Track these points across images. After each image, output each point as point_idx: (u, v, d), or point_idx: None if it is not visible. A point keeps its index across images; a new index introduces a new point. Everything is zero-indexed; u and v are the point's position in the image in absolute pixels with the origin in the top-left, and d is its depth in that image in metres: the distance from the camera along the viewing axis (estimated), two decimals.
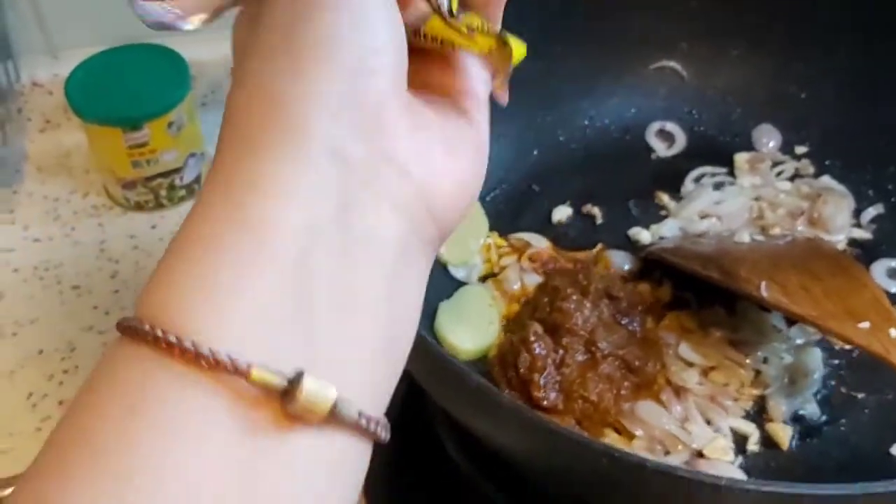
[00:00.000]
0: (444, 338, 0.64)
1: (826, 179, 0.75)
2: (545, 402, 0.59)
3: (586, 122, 0.79)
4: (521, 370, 0.59)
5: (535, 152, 0.77)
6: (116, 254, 0.82)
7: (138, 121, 0.78)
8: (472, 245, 0.71)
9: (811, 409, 0.62)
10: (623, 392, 0.60)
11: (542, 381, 0.59)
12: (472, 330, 0.64)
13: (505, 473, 0.59)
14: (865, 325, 0.54)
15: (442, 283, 0.69)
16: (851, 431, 0.61)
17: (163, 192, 0.85)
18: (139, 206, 0.85)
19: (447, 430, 0.63)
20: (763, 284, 0.57)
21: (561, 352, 0.61)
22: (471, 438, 0.58)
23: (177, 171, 0.83)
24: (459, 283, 0.69)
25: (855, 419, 0.61)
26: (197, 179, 0.86)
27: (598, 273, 0.66)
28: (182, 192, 0.85)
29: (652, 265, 0.70)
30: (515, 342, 0.61)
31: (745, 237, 0.69)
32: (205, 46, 0.86)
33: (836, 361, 0.65)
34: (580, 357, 0.61)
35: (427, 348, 0.49)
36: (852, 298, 0.56)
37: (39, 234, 0.83)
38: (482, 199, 0.74)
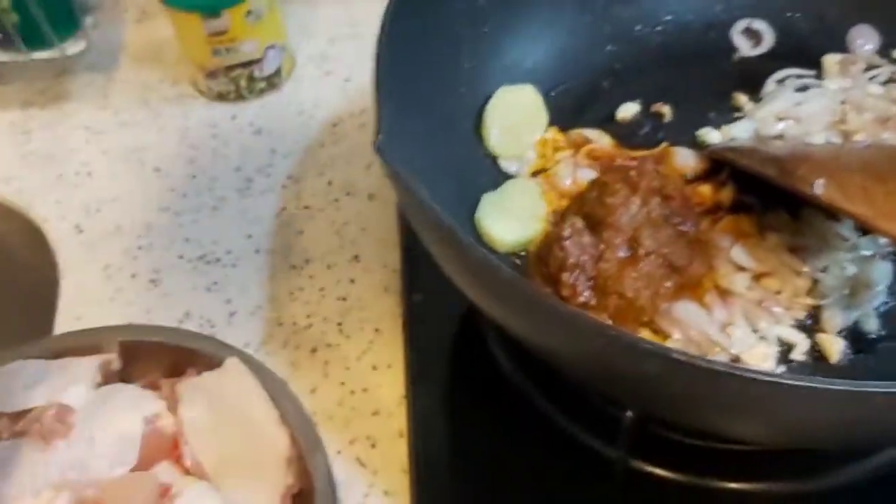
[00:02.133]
0: (483, 229, 0.62)
1: None
2: (577, 300, 0.56)
3: (668, 17, 0.74)
4: (552, 269, 0.56)
5: (609, 47, 0.72)
6: (196, 141, 0.83)
7: (217, 6, 0.78)
8: (527, 138, 0.67)
9: (870, 323, 0.56)
10: (662, 291, 0.56)
11: (571, 279, 0.56)
12: (513, 222, 0.61)
13: (559, 388, 0.56)
14: None
15: (490, 176, 0.66)
16: None
17: (243, 83, 0.85)
18: (221, 97, 0.86)
19: (500, 348, 0.61)
20: (819, 182, 0.52)
21: (601, 247, 0.57)
22: (523, 354, 0.56)
23: (256, 62, 0.83)
24: (509, 177, 0.66)
25: None
26: (277, 72, 0.85)
27: (655, 171, 0.61)
28: (262, 84, 0.85)
29: (718, 166, 0.64)
30: (551, 236, 0.58)
31: (818, 139, 0.62)
32: None
33: None
34: (621, 254, 0.57)
35: (457, 239, 0.46)
36: None
37: (129, 119, 0.85)
38: (546, 94, 0.70)
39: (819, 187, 0.51)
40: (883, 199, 0.50)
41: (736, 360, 0.55)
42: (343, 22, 0.92)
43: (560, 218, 0.61)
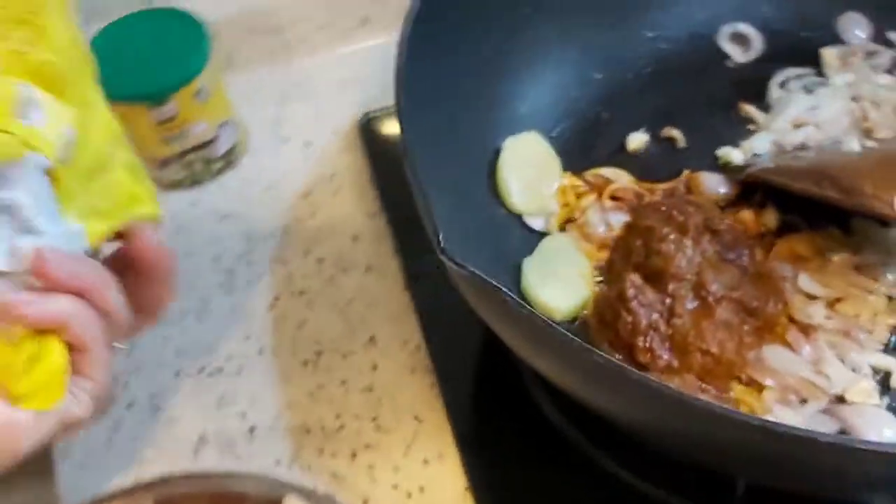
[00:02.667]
0: (534, 298, 0.57)
1: None
2: (658, 364, 0.51)
3: (651, 35, 0.70)
4: (623, 335, 0.52)
5: (599, 76, 0.68)
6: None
7: (163, 92, 0.70)
8: (546, 189, 0.62)
9: None
10: (746, 339, 0.52)
11: (647, 343, 0.52)
12: (562, 285, 0.57)
13: (596, 425, 0.53)
14: None
15: (521, 238, 0.61)
16: None
17: (198, 167, 0.77)
18: (175, 185, 0.78)
19: (559, 413, 0.57)
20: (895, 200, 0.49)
21: (668, 301, 0.53)
22: (563, 396, 0.51)
23: (210, 142, 0.75)
24: (539, 235, 0.61)
25: None
26: (232, 149, 0.78)
27: (696, 206, 0.58)
28: (219, 164, 0.78)
29: (749, 188, 0.61)
30: (612, 298, 0.54)
31: (853, 145, 0.60)
32: (215, 4, 0.78)
33: None
34: (690, 305, 0.53)
35: (519, 313, 0.41)
36: None
37: None
38: (548, 135, 0.65)
39: None
40: None
41: (840, 399, 0.51)
42: (288, 81, 0.85)
43: (611, 274, 0.57)
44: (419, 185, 0.46)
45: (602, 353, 0.38)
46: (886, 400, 0.52)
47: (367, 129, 0.77)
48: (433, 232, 0.44)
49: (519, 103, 0.65)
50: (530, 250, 0.60)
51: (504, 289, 0.40)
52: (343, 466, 0.61)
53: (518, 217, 0.62)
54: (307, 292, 0.70)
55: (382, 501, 0.59)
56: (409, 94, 0.52)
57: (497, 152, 0.64)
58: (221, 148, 0.77)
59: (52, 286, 0.39)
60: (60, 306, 0.39)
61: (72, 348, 0.40)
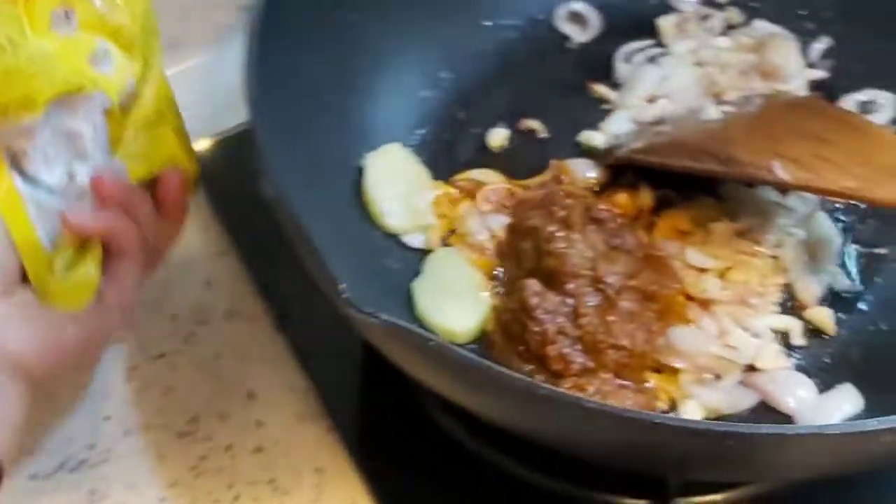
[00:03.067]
0: (432, 323, 0.54)
1: (761, 24, 0.67)
2: (572, 370, 0.50)
3: (489, 24, 0.68)
4: (532, 347, 0.50)
5: (447, 74, 0.66)
6: None
7: None
8: (420, 203, 0.59)
9: (842, 281, 0.56)
10: (654, 327, 0.52)
11: (558, 351, 0.50)
12: (459, 304, 0.54)
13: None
14: None
15: (403, 259, 0.58)
16: (892, 291, 0.55)
17: None
18: None
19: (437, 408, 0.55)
20: (775, 165, 0.50)
21: (571, 301, 0.51)
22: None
23: None
24: (422, 253, 0.58)
25: (890, 277, 0.56)
26: None
27: (569, 196, 0.56)
28: None
29: (618, 168, 0.61)
30: (515, 310, 0.52)
31: (710, 112, 0.61)
32: None
33: (845, 220, 0.59)
34: (592, 301, 0.52)
35: (416, 340, 0.39)
36: (878, 154, 0.49)
37: None
38: (407, 145, 0.62)
39: (782, 171, 0.49)
40: (850, 164, 0.49)
41: (752, 368, 0.52)
42: None
43: (507, 282, 0.54)
44: (301, 233, 0.42)
45: (551, 388, 0.35)
46: (794, 360, 0.53)
47: (198, 160, 0.71)
48: (331, 281, 0.39)
49: (372, 115, 0.62)
50: (416, 271, 0.57)
51: (428, 335, 0.37)
52: None
53: (396, 238, 0.59)
54: (166, 354, 0.63)
55: None
56: (264, 124, 0.47)
57: (361, 171, 0.60)
58: None
59: (103, 204, 0.48)
60: (109, 218, 0.48)
61: (111, 256, 0.49)
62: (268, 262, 0.65)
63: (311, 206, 0.50)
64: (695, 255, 0.55)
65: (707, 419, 0.50)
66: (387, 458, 0.57)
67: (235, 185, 0.68)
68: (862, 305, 0.55)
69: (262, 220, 0.66)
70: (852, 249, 0.58)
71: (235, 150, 0.70)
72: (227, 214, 0.68)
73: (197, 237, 0.69)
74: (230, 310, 0.65)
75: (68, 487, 0.58)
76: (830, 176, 0.49)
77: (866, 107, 0.63)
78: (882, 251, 0.57)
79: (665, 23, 0.68)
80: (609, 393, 0.49)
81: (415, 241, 0.59)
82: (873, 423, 0.35)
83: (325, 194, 0.56)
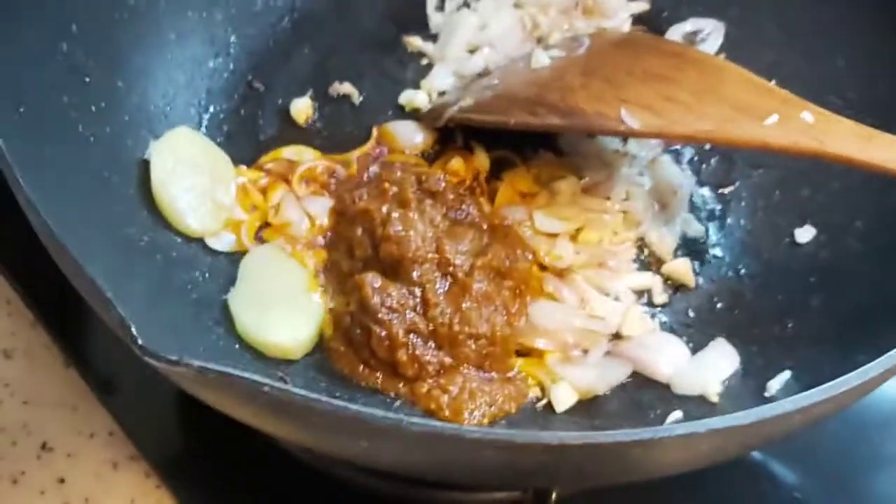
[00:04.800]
0: (259, 341, 0.47)
1: None
2: (427, 371, 0.45)
3: None
4: (380, 353, 0.45)
5: (234, 37, 0.59)
6: None
7: None
8: (223, 196, 0.52)
9: (695, 227, 0.54)
10: (512, 308, 0.48)
11: (410, 352, 0.45)
12: (287, 314, 0.48)
13: None
14: (774, 119, 0.45)
15: (213, 268, 0.51)
16: (745, 232, 0.55)
17: None
18: None
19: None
20: (623, 113, 0.46)
21: (418, 292, 0.47)
22: None
23: None
24: (234, 256, 0.51)
25: (741, 216, 0.55)
26: None
27: (398, 168, 0.51)
28: None
29: (447, 132, 0.56)
30: (356, 313, 0.46)
31: (541, 59, 0.57)
32: None
33: (690, 161, 0.57)
34: (441, 288, 0.47)
35: (243, 387, 0.32)
36: (727, 91, 0.47)
37: None
38: (199, 127, 0.55)
39: (632, 119, 0.46)
40: (700, 104, 0.47)
41: (618, 336, 0.49)
42: None
43: (338, 277, 0.49)
44: (72, 263, 0.35)
45: (424, 422, 0.31)
46: (658, 321, 0.51)
47: None
48: (121, 325, 0.33)
49: (150, 95, 0.54)
50: (230, 279, 0.50)
51: (257, 380, 0.31)
52: None
53: (198, 242, 0.51)
54: None
55: None
56: (11, 144, 0.39)
57: (146, 167, 0.51)
58: None
59: None
60: None
61: None
62: (48, 290, 0.56)
63: (87, 224, 0.43)
64: (543, 220, 0.52)
65: (582, 402, 0.47)
66: (218, 492, 0.51)
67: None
68: (717, 251, 0.54)
69: (35, 244, 0.57)
70: (700, 191, 0.56)
71: None
72: None
73: None
74: (6, 349, 0.56)
75: None
76: (683, 119, 0.47)
77: (693, 37, 0.61)
78: (728, 190, 0.56)
79: None
80: (475, 389, 0.45)
81: (222, 242, 0.51)
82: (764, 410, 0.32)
83: (104, 204, 0.48)
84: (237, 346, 0.47)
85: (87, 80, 0.50)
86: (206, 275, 0.50)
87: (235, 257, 0.52)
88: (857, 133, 0.45)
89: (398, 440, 0.32)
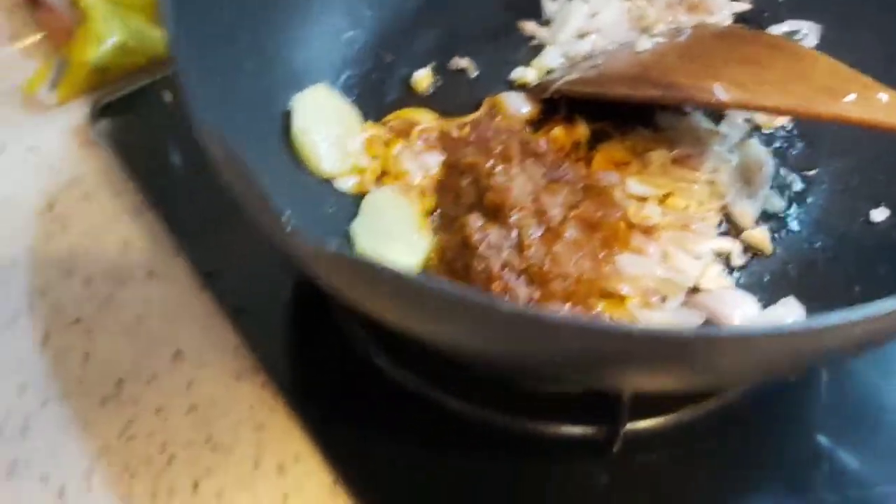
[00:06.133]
0: None
1: None
2: (519, 302, 0.52)
3: None
4: (477, 283, 0.52)
5: (370, 12, 0.67)
6: None
7: None
8: (352, 145, 0.60)
9: (776, 203, 0.60)
10: (599, 255, 0.54)
11: (503, 285, 0.52)
12: (399, 242, 0.56)
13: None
14: (852, 97, 0.51)
15: (337, 204, 0.59)
16: (822, 211, 0.60)
17: None
18: None
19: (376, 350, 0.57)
20: (716, 87, 0.53)
21: (514, 234, 0.54)
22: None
23: None
24: (354, 197, 0.60)
25: (820, 197, 0.61)
26: None
27: (505, 131, 0.59)
28: None
29: (551, 105, 0.63)
30: (458, 246, 0.54)
31: (644, 44, 0.64)
32: None
33: (778, 145, 0.63)
34: (536, 233, 0.54)
35: (369, 268, 0.39)
36: (815, 75, 0.53)
37: None
38: (334, 87, 0.64)
39: (723, 92, 0.52)
40: (789, 84, 0.53)
41: (696, 290, 0.55)
42: None
43: (445, 220, 0.56)
44: (236, 162, 0.42)
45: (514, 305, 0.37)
46: (734, 279, 0.57)
47: (101, 119, 0.70)
48: (274, 213, 0.40)
49: (296, 56, 0.62)
50: (352, 215, 0.58)
51: (380, 262, 0.38)
52: (186, 502, 0.56)
53: (328, 182, 0.60)
54: (82, 320, 0.63)
55: None
56: (187, 69, 0.47)
57: (287, 116, 0.60)
58: None
59: None
60: None
61: None
62: (187, 221, 0.65)
63: (241, 152, 0.51)
64: (635, 184, 0.59)
65: None
66: (327, 408, 0.58)
67: (146, 145, 0.68)
68: (795, 225, 0.60)
69: (176, 179, 0.67)
70: (784, 172, 0.62)
71: (144, 108, 0.70)
72: (140, 172, 0.67)
73: (109, 197, 0.68)
74: (150, 271, 0.65)
75: None
76: (769, 95, 0.53)
77: (790, 37, 0.67)
78: (812, 173, 0.62)
79: None
80: None
81: (348, 184, 0.60)
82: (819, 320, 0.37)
83: (254, 141, 0.56)
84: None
85: (248, 42, 0.59)
86: (333, 209, 0.59)
87: (358, 197, 0.60)
88: None
89: (492, 320, 0.38)
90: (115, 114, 0.71)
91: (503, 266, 0.53)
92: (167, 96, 0.71)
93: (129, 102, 0.71)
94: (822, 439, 0.55)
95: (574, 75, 0.62)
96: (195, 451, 0.57)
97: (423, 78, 0.66)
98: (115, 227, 0.67)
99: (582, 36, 0.67)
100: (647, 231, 0.57)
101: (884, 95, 0.51)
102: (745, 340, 0.38)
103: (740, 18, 0.70)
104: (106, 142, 0.69)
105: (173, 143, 0.68)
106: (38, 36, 0.76)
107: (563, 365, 0.42)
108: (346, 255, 0.40)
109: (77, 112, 0.72)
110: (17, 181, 0.69)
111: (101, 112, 0.71)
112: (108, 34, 0.70)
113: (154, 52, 0.72)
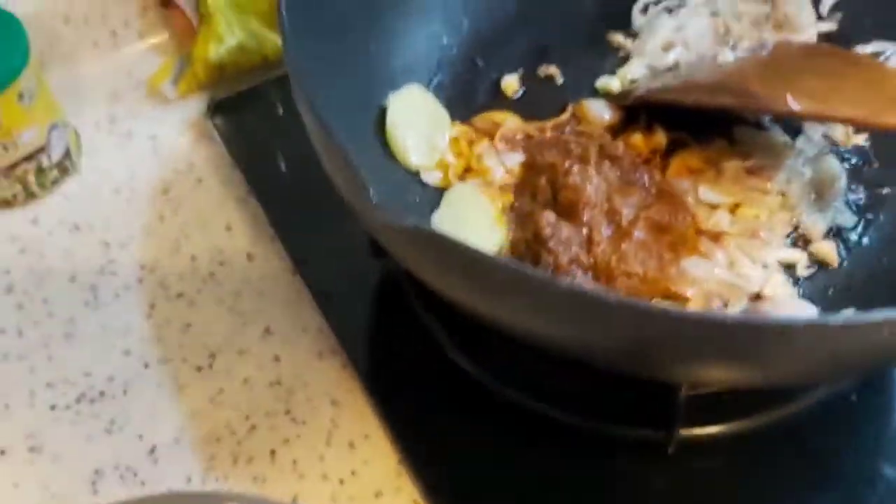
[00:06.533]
0: None
1: None
2: None
3: None
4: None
5: (467, 20, 0.71)
6: (3, 264, 0.71)
7: None
8: (440, 142, 0.65)
9: (846, 217, 0.61)
10: (666, 256, 0.57)
11: (571, 280, 0.55)
12: (476, 233, 0.59)
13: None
14: None
15: (421, 195, 0.63)
16: (893, 229, 0.61)
17: (32, 179, 0.73)
18: (7, 203, 0.74)
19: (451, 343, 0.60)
20: (789, 97, 0.55)
21: (585, 231, 0.57)
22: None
23: (41, 150, 0.72)
24: (437, 191, 0.64)
25: (891, 214, 0.61)
26: (67, 154, 0.75)
27: (584, 135, 0.62)
28: (54, 174, 0.74)
29: (632, 112, 0.66)
30: (529, 240, 0.57)
31: (726, 56, 0.66)
32: None
33: (853, 162, 0.64)
34: (606, 232, 0.57)
35: (447, 244, 0.42)
36: (888, 88, 0.54)
37: None
38: (428, 87, 0.68)
39: (796, 103, 0.54)
40: (861, 94, 0.54)
41: (758, 297, 0.57)
42: (115, 71, 0.82)
43: (520, 217, 0.60)
44: (333, 139, 0.47)
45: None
46: (798, 289, 0.59)
47: (217, 114, 0.77)
48: (361, 187, 0.44)
49: (394, 58, 0.67)
50: (435, 205, 0.62)
51: (458, 239, 0.41)
52: (264, 468, 0.60)
53: (414, 175, 0.64)
54: (185, 294, 0.69)
55: (313, 494, 0.59)
56: (299, 66, 0.52)
57: (381, 112, 0.65)
58: (55, 154, 0.73)
59: None
60: None
61: None
62: (285, 212, 0.70)
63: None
64: (707, 192, 0.61)
65: None
66: (399, 392, 0.61)
67: (254, 140, 0.74)
68: (865, 241, 0.61)
69: (279, 174, 0.72)
70: (857, 188, 0.63)
71: (255, 106, 0.76)
72: (246, 163, 0.73)
73: (218, 184, 0.74)
74: (249, 253, 0.70)
75: (88, 418, 0.63)
76: (843, 106, 0.54)
77: (876, 57, 0.68)
78: (885, 191, 0.62)
79: None
80: None
81: (433, 177, 0.64)
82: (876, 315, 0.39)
83: (351, 130, 0.61)
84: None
85: (355, 40, 0.64)
86: (418, 199, 0.63)
87: (441, 190, 0.64)
88: None
89: (559, 298, 0.40)
90: (229, 110, 0.77)
91: (571, 261, 0.56)
92: (279, 108, 0.76)
93: (242, 100, 0.77)
94: (888, 469, 0.55)
95: (656, 84, 0.64)
96: (275, 422, 0.62)
97: (511, 83, 0.70)
98: (221, 212, 0.73)
99: (667, 48, 0.70)
100: (716, 237, 0.59)
101: None
102: (789, 330, 0.39)
103: (826, 38, 0.71)
104: (219, 135, 0.75)
105: (279, 141, 0.74)
106: (165, 34, 0.83)
107: (617, 350, 0.44)
108: (422, 228, 0.43)
109: (195, 106, 0.79)
110: (140, 166, 0.76)
111: (216, 107, 0.77)
112: (228, 35, 0.76)
113: (269, 53, 0.78)
